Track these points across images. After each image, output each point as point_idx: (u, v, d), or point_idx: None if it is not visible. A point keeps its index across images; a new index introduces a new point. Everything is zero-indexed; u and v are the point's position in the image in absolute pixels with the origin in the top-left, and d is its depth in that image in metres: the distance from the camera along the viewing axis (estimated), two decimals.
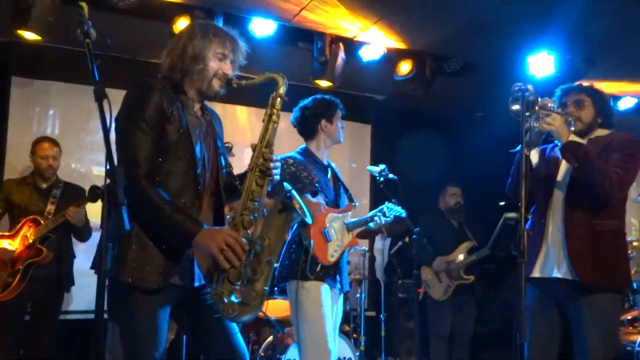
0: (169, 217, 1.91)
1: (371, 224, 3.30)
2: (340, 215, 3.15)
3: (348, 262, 4.66)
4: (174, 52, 2.11)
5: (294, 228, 3.01)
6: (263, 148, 2.12)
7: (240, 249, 1.95)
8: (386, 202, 3.32)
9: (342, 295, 3.20)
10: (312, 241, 2.94)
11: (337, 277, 3.07)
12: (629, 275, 2.74)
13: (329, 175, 3.23)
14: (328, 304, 2.99)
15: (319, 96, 3.26)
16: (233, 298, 2.01)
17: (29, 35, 3.94)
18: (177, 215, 1.92)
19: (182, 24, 3.98)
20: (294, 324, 3.01)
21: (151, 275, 1.95)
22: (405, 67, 4.87)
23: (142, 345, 1.97)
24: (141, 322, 1.97)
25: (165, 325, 2.04)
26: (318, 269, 2.96)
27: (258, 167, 2.11)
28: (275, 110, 2.15)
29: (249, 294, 2.01)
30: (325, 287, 2.98)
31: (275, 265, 2.45)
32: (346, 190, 3.33)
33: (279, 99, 2.16)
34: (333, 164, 3.34)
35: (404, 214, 3.36)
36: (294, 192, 2.13)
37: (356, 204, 3.34)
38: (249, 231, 2.05)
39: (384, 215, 3.25)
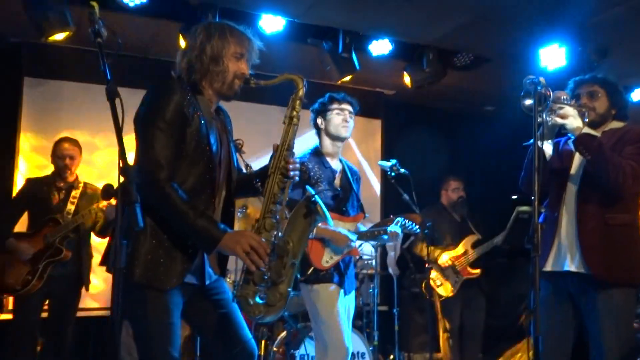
0: (194, 223, 1.93)
1: (374, 240, 3.24)
2: (347, 224, 3.09)
3: (360, 257, 4.69)
4: (191, 53, 2.10)
5: None
6: (284, 151, 2.12)
7: (263, 251, 1.97)
8: (397, 219, 3.23)
9: (351, 293, 3.18)
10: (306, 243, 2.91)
11: (342, 279, 3.05)
12: None
13: (336, 181, 3.15)
14: (339, 303, 2.99)
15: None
16: (258, 299, 2.03)
17: (59, 36, 3.93)
18: (201, 221, 1.93)
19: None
20: (312, 324, 3.08)
21: (166, 275, 1.96)
22: (407, 80, 4.90)
23: (157, 343, 1.98)
24: (155, 320, 1.98)
25: (179, 322, 2.05)
26: (309, 271, 2.95)
27: (279, 170, 2.11)
28: (295, 113, 2.14)
29: (273, 296, 2.04)
30: (334, 288, 2.99)
31: None
32: (357, 200, 3.24)
33: (298, 101, 2.15)
34: (350, 171, 3.24)
35: (415, 230, 3.30)
36: (317, 196, 2.14)
37: (367, 215, 3.27)
38: (271, 233, 2.06)
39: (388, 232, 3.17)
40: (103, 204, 3.70)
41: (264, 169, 2.18)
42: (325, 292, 2.97)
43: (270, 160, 2.15)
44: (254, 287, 2.02)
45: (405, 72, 4.94)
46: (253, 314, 2.03)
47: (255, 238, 1.98)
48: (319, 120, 3.15)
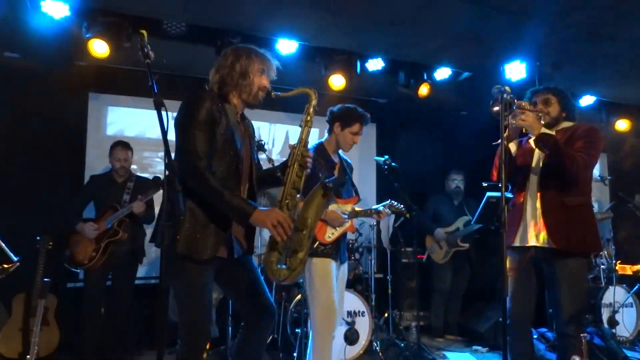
0: (230, 201, 1.93)
1: (367, 217, 3.08)
2: (343, 205, 2.98)
3: (360, 234, 4.68)
4: (223, 70, 2.11)
5: None
6: (302, 147, 2.13)
7: (288, 225, 1.97)
8: (385, 202, 3.13)
9: (345, 264, 3.05)
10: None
11: (338, 252, 2.95)
12: (599, 241, 2.64)
13: (335, 170, 3.02)
14: (333, 274, 2.88)
15: (350, 105, 3.05)
16: (281, 265, 2.03)
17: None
18: (235, 199, 1.94)
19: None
20: (307, 292, 2.91)
21: (203, 248, 1.96)
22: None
23: (193, 303, 1.98)
24: (192, 285, 1.98)
25: (211, 287, 2.06)
26: (315, 245, 2.85)
27: (298, 162, 2.12)
28: (309, 118, 2.18)
29: (294, 262, 2.04)
30: (329, 262, 2.87)
31: None
32: (353, 185, 3.13)
33: (312, 108, 2.18)
34: (345, 163, 3.12)
35: (402, 208, 3.17)
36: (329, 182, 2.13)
37: (361, 198, 3.15)
38: (292, 212, 2.07)
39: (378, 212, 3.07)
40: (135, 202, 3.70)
41: (284, 163, 2.19)
42: (322, 265, 2.85)
43: (289, 156, 2.16)
44: (278, 255, 2.03)
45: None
46: (277, 276, 2.02)
47: (282, 214, 1.98)
48: (336, 126, 2.99)
